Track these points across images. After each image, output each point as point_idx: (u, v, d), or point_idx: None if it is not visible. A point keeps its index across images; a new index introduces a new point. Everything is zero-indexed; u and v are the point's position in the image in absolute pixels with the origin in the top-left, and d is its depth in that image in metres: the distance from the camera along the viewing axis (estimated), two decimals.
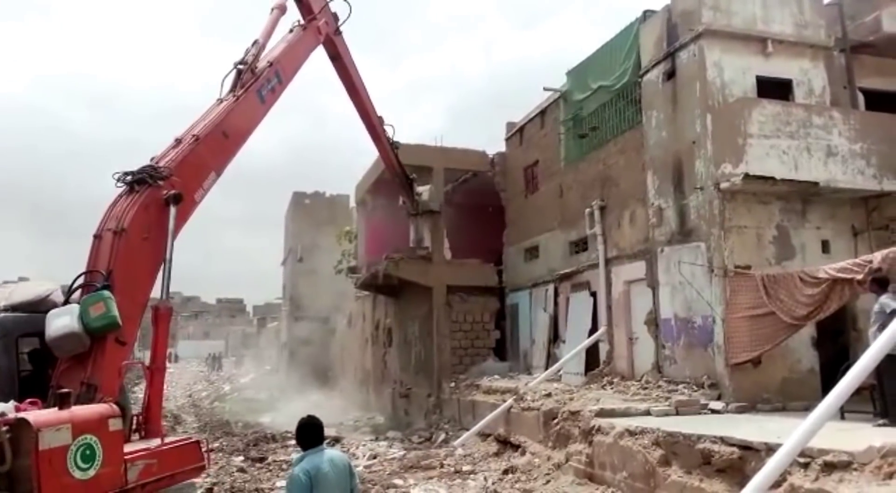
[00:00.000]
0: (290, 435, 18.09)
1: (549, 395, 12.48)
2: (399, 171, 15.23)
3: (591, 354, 14.38)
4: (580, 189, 15.56)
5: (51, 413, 5.64)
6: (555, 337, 16.39)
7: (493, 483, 10.55)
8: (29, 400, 6.00)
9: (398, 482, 11.20)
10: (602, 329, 14.12)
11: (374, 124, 13.54)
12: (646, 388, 11.89)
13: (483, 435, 13.94)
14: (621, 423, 9.20)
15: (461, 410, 16.22)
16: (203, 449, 7.42)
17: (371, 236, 23.70)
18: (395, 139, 14.30)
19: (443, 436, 15.77)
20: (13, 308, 7.08)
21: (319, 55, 11.64)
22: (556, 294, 16.44)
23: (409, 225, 19.78)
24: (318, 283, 36.64)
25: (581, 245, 15.60)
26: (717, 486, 7.16)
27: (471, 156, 20.48)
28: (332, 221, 35.57)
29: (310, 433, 5.11)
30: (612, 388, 12.69)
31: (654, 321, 12.58)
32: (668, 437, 8.12)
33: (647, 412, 9.82)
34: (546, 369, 15.45)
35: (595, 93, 15.18)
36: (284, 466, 13.79)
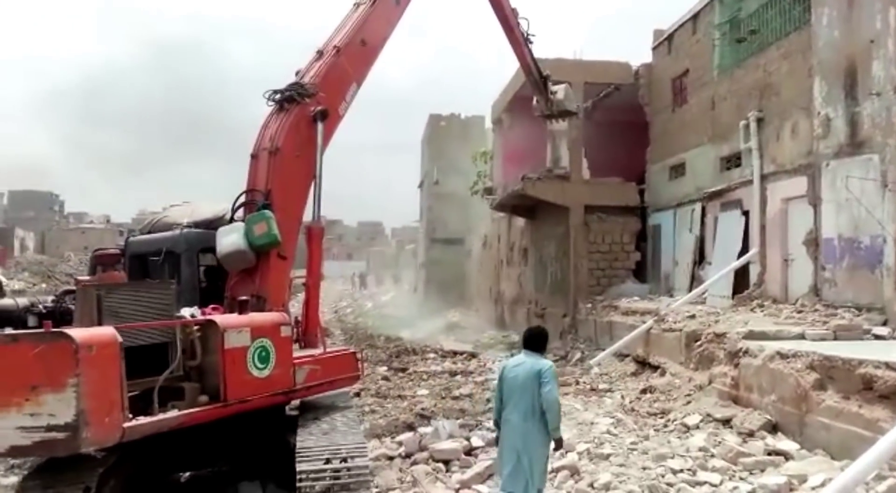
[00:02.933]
0: (428, 349, 18.97)
1: (692, 317, 12.08)
2: (533, 67, 14.56)
3: (740, 276, 13.64)
4: (735, 100, 14.40)
5: (233, 317, 6.24)
6: (700, 259, 15.67)
7: (631, 402, 10.50)
8: (212, 306, 6.62)
9: None
10: (754, 250, 13.30)
11: (507, 16, 13.00)
12: (800, 312, 11.16)
13: (620, 355, 13.83)
14: (772, 345, 8.75)
15: (598, 330, 16.12)
16: (358, 361, 7.92)
17: (507, 157, 23.47)
18: (529, 34, 13.66)
19: (578, 355, 15.83)
20: (195, 225, 7.74)
21: None
22: (704, 214, 15.61)
23: (547, 144, 19.31)
24: (454, 205, 37.13)
25: (733, 161, 14.58)
26: (879, 413, 6.68)
27: (613, 68, 19.44)
28: (467, 142, 35.54)
29: (528, 338, 5.72)
30: (762, 311, 12.04)
31: (813, 241, 11.65)
32: (824, 360, 7.63)
33: (802, 336, 9.24)
34: (689, 291, 14.88)
35: None
36: (424, 376, 14.52)
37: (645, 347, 12.87)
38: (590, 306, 17.22)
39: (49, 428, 4.72)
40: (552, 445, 5.49)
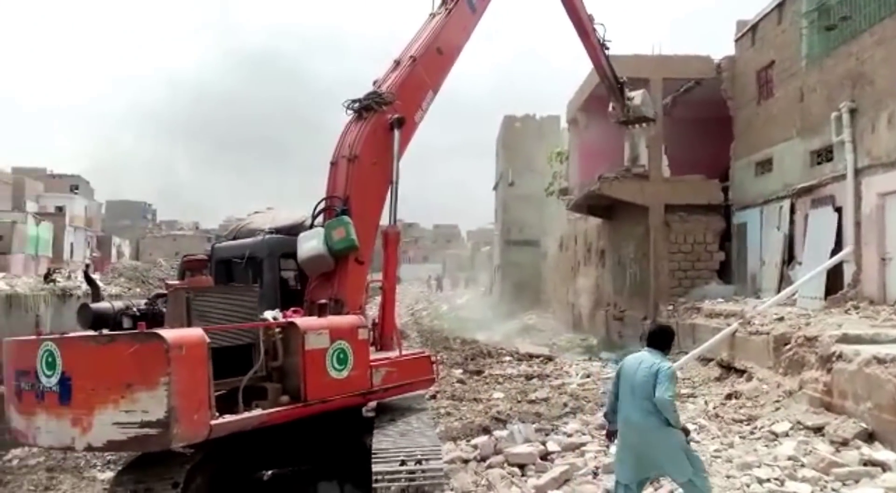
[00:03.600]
0: (504, 352, 18.88)
1: (781, 319, 11.54)
2: (608, 73, 14.30)
3: (833, 276, 12.93)
4: (825, 90, 13.68)
5: (313, 320, 6.43)
6: (789, 258, 14.95)
7: (715, 407, 10.13)
8: (292, 309, 6.84)
9: None
10: (848, 249, 12.58)
11: (582, 21, 12.83)
12: None
13: (703, 360, 13.36)
14: (868, 349, 8.23)
15: (680, 333, 15.52)
16: (434, 363, 7.98)
17: (583, 156, 23.13)
18: (605, 39, 13.44)
19: None
20: (276, 231, 8.03)
21: None
22: (793, 211, 14.89)
23: (624, 142, 18.93)
24: (530, 206, 36.91)
25: (824, 155, 13.85)
26: None
27: (693, 62, 18.84)
28: (542, 143, 35.26)
29: (652, 335, 5.63)
30: (857, 313, 11.37)
31: None
32: None
33: None
34: (778, 292, 14.23)
35: None
36: (500, 379, 14.46)
37: (730, 350, 12.39)
38: (671, 308, 16.72)
39: (142, 424, 4.98)
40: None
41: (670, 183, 18.54)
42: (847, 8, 13.33)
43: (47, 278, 39.61)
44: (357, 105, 8.21)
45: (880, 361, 7.79)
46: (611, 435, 5.68)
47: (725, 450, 7.64)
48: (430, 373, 7.84)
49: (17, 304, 32.16)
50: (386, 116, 8.14)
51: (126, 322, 6.21)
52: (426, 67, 8.80)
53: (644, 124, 16.59)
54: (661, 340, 5.54)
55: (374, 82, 8.60)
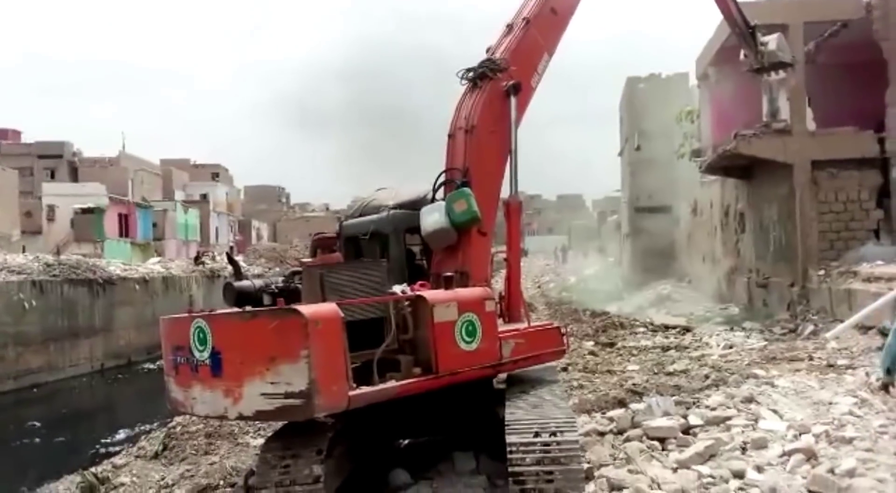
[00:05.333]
0: (637, 323, 18.28)
1: None
2: (738, 17, 13.19)
3: None
4: None
5: (440, 293, 6.46)
6: None
7: (878, 380, 9.22)
8: (419, 282, 6.91)
9: (759, 372, 10.48)
10: None
11: None
12: None
13: (862, 328, 12.21)
14: None
15: (834, 300, 14.41)
16: (564, 335, 7.81)
17: (717, 114, 21.74)
18: None
19: (811, 328, 14.29)
20: (400, 206, 8.12)
21: None
22: None
23: (762, 95, 17.53)
24: (658, 171, 35.26)
25: None
26: None
27: (837, 3, 17.12)
28: (669, 103, 33.49)
29: None
30: None
31: None
32: None
33: None
34: None
35: None
36: (634, 351, 14.01)
37: (894, 317, 11.25)
38: (822, 273, 15.44)
39: (287, 395, 5.20)
40: None
41: (817, 137, 17.01)
42: None
43: (197, 260, 42.97)
44: (471, 74, 8.07)
45: None
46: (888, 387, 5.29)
47: (893, 425, 6.93)
48: (560, 344, 7.68)
49: (173, 285, 35.20)
50: (501, 83, 7.95)
51: (266, 299, 6.51)
52: (540, 29, 8.50)
53: (782, 71, 15.32)
54: None
55: (488, 49, 8.41)
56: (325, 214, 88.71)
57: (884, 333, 4.96)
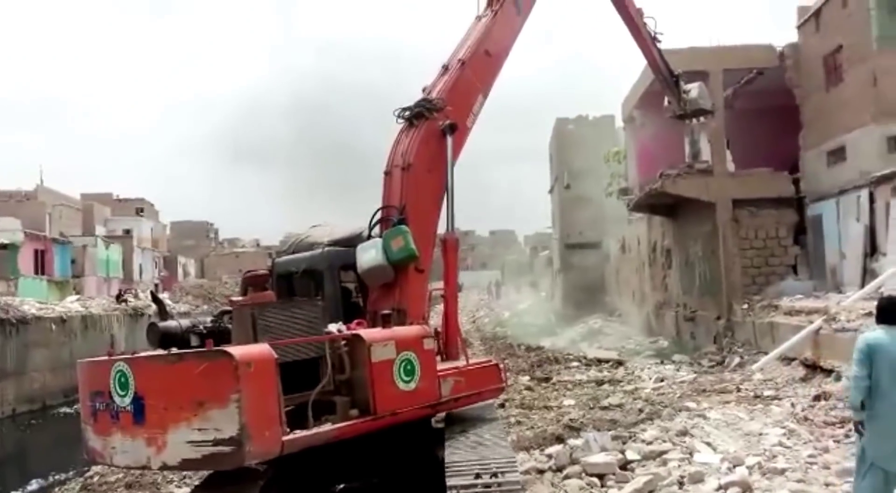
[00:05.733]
0: (571, 357, 18.46)
1: (869, 314, 10.84)
2: (662, 67, 13.87)
3: None
4: None
5: (377, 331, 6.30)
6: (872, 250, 14.15)
7: (803, 410, 9.54)
8: (356, 321, 6.73)
9: (691, 404, 10.72)
10: None
11: (631, 17, 12.51)
12: None
13: (785, 359, 12.70)
14: None
15: (757, 333, 14.95)
16: (502, 371, 7.75)
17: (642, 154, 22.57)
18: (656, 32, 13.05)
19: (737, 360, 14.77)
20: (335, 243, 7.96)
21: None
22: (872, 200, 14.11)
23: (684, 138, 18.32)
24: (587, 208, 36.24)
25: None
26: None
27: (753, 52, 18.17)
28: (597, 144, 34.62)
29: (886, 309, 5.28)
30: None
31: None
32: None
33: None
34: (862, 286, 13.46)
35: None
36: (569, 386, 14.10)
37: (814, 349, 11.74)
38: (746, 307, 16.05)
39: (216, 442, 4.92)
40: None
41: (737, 177, 17.85)
42: None
43: (119, 298, 41.09)
44: (408, 113, 8.10)
45: None
46: (859, 426, 5.24)
47: (820, 455, 7.17)
48: (498, 381, 7.62)
49: (93, 324, 33.45)
50: (437, 123, 8.00)
51: (194, 340, 6.20)
52: (475, 71, 8.64)
53: (702, 118, 16.13)
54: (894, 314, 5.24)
55: (424, 89, 8.48)
56: (256, 249, 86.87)
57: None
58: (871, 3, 13.95)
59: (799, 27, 17.39)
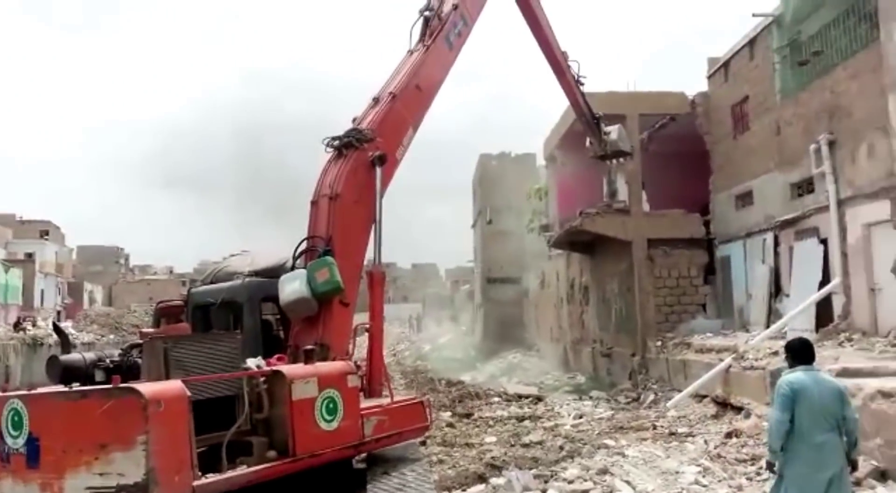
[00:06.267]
0: (492, 393, 18.45)
1: (775, 353, 11.35)
2: (584, 109, 14.45)
3: (823, 308, 12.86)
4: (801, 123, 13.83)
5: (299, 367, 6.04)
6: (776, 291, 14.90)
7: (716, 447, 9.82)
8: (276, 356, 6.45)
9: (609, 442, 10.88)
10: (836, 280, 12.54)
11: (557, 59, 12.95)
12: (895, 345, 10.38)
13: (698, 396, 13.11)
14: (870, 383, 8.05)
15: (671, 370, 15.40)
16: (427, 410, 7.60)
17: (562, 192, 23.15)
18: (579, 75, 13.57)
19: (651, 397, 15.13)
20: (256, 273, 7.66)
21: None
22: (777, 243, 14.89)
23: (602, 178, 18.95)
24: (509, 244, 36.80)
25: (805, 187, 13.93)
26: None
27: (667, 99, 19.07)
28: (519, 181, 35.36)
29: (800, 350, 5.38)
30: (851, 345, 11.26)
31: None
32: None
33: None
34: (767, 326, 14.12)
35: (816, 12, 13.29)
36: (491, 422, 14.05)
37: (724, 386, 12.16)
38: (660, 344, 16.52)
39: (119, 489, 4.56)
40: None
41: (652, 218, 18.53)
42: (819, 43, 13.57)
43: (17, 326, 38.46)
44: (337, 143, 7.99)
45: (885, 395, 7.61)
46: (772, 467, 5.33)
47: None
48: (423, 420, 7.47)
49: None
50: (367, 154, 7.93)
51: (99, 375, 5.80)
52: (406, 104, 8.67)
53: (622, 159, 16.79)
54: (811, 353, 5.41)
55: (354, 120, 8.41)
56: (169, 277, 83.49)
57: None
58: (775, 57, 14.91)
59: (709, 77, 18.38)
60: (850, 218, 12.34)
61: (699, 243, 18.05)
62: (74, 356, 6.07)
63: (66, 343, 6.93)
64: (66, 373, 5.75)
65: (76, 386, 5.25)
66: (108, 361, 6.00)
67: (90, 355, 6.17)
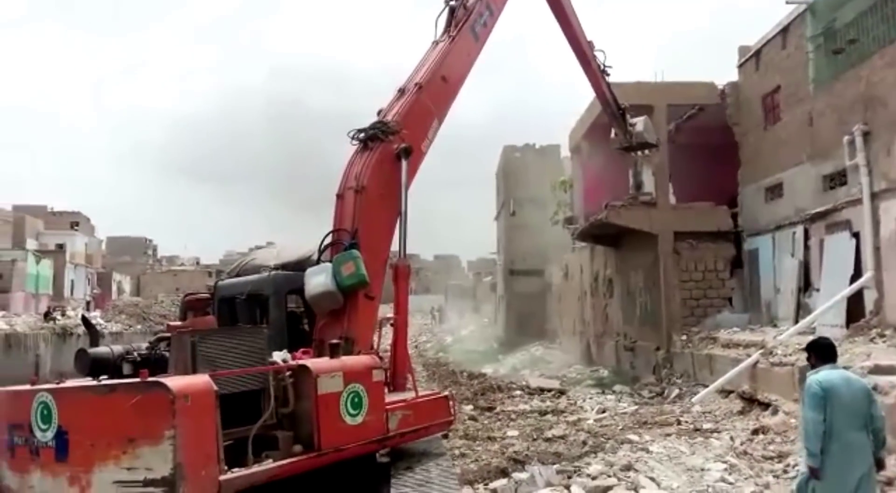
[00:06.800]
0: (514, 386, 18.39)
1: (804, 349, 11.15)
2: (610, 99, 14.25)
3: (854, 303, 12.58)
4: (835, 114, 13.50)
5: (325, 361, 6.04)
6: (805, 285, 14.62)
7: (742, 444, 9.68)
8: (301, 350, 6.45)
9: (633, 437, 10.75)
10: (868, 275, 12.25)
11: (583, 50, 12.79)
12: None
13: (724, 392, 12.93)
14: None
15: (696, 364, 15.21)
16: (452, 404, 7.57)
17: (588, 185, 22.95)
18: (605, 65, 13.37)
19: (676, 391, 14.96)
20: (282, 267, 7.68)
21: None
22: (807, 237, 14.60)
23: (628, 170, 18.73)
24: (532, 236, 36.64)
25: (838, 179, 13.61)
26: None
27: (696, 89, 18.75)
28: (543, 172, 35.14)
29: (824, 349, 5.40)
30: (883, 341, 11.00)
31: None
32: None
33: None
34: (796, 321, 13.87)
35: (852, 0, 12.95)
36: (513, 416, 13.99)
37: (751, 382, 11.98)
38: (685, 338, 16.32)
39: (146, 482, 4.60)
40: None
41: (678, 210, 18.29)
42: (854, 31, 13.24)
43: (47, 316, 39.21)
44: (362, 135, 7.96)
45: None
46: (817, 473, 5.13)
47: (762, 491, 7.23)
48: (448, 415, 7.46)
49: (17, 343, 31.72)
50: (392, 146, 7.89)
51: (127, 368, 5.84)
52: (431, 96, 8.60)
53: (647, 151, 16.53)
54: (835, 353, 5.43)
55: (379, 112, 8.36)
56: (196, 268, 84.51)
57: None
58: (809, 45, 14.57)
59: (739, 66, 18.02)
60: (883, 211, 12.04)
61: (726, 236, 17.78)
62: (102, 350, 6.12)
63: (94, 336, 7.02)
64: (95, 366, 5.81)
65: (104, 379, 5.30)
66: (135, 354, 6.04)
67: (118, 348, 6.23)
